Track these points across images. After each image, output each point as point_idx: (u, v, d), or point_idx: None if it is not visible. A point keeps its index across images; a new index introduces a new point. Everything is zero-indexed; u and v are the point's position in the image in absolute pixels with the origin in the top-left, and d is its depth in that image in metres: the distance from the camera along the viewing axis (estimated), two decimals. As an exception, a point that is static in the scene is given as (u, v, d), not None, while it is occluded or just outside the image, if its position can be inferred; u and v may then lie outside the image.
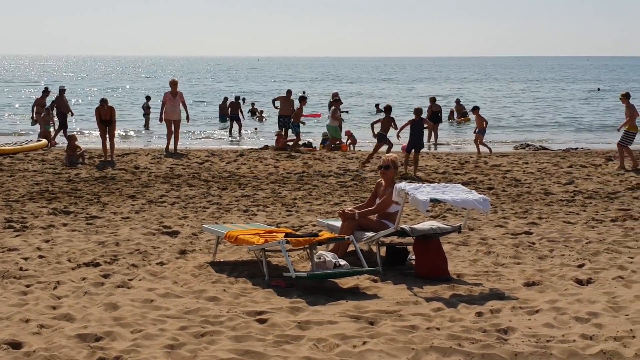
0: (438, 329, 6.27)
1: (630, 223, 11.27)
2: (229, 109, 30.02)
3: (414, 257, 8.49)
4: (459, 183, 13.25)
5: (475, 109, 22.51)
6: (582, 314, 6.65)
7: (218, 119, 35.39)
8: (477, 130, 22.05)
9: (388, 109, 19.19)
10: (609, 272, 8.29)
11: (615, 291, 7.49)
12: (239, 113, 29.31)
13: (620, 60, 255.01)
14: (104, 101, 19.31)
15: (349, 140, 24.03)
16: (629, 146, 18.00)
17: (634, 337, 6.01)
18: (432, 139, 25.72)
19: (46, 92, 25.02)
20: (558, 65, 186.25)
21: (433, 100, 26.42)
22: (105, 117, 19.06)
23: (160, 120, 20.63)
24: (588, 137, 29.95)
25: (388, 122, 18.70)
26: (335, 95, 25.57)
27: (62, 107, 23.99)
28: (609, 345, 5.78)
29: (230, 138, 28.73)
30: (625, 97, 18.37)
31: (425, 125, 18.39)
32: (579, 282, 7.93)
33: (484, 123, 22.00)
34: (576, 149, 23.68)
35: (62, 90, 23.95)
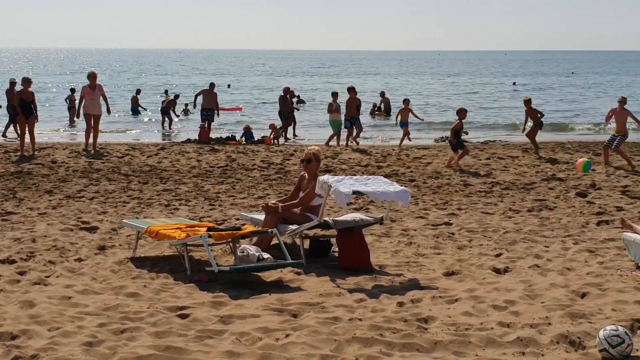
0: (360, 319, 6.33)
1: (545, 213, 11.61)
2: (165, 104, 29.64)
3: (337, 249, 8.54)
4: (381, 175, 13.40)
5: (405, 102, 23.08)
6: (499, 302, 6.81)
7: (130, 112, 34.68)
8: (400, 123, 22.62)
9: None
10: (525, 261, 8.51)
11: (532, 279, 7.70)
12: (173, 109, 29.04)
13: (538, 54, 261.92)
14: (26, 81, 18.38)
15: (273, 134, 23.97)
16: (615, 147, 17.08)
17: (549, 324, 6.18)
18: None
19: None
20: (477, 59, 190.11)
21: (383, 94, 26.61)
22: (27, 99, 18.28)
23: (78, 115, 19.91)
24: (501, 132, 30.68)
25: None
26: (286, 90, 25.42)
27: (13, 99, 22.98)
28: (525, 333, 5.94)
29: (163, 131, 28.47)
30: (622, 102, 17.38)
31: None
32: (497, 271, 8.12)
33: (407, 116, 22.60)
34: (494, 141, 24.24)
35: (12, 83, 22.72)
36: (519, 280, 7.69)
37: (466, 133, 18.62)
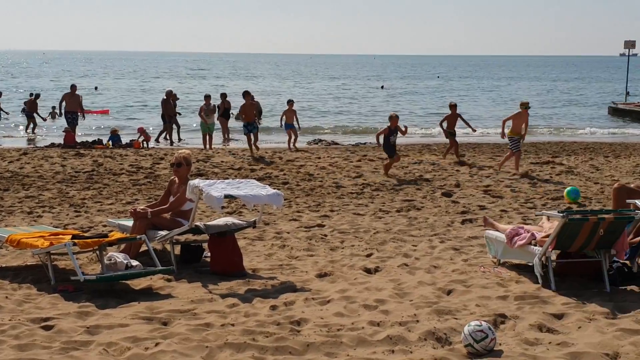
0: (233, 325, 6.27)
1: (413, 213, 11.93)
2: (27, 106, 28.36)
3: (209, 254, 8.44)
4: (254, 179, 13.38)
5: (289, 102, 22.59)
6: (370, 302, 6.93)
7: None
8: (285, 124, 22.13)
9: (453, 106, 19.40)
10: (394, 260, 8.71)
11: (401, 278, 7.89)
12: (37, 112, 27.85)
13: (406, 59, 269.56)
14: None
15: (142, 137, 23.49)
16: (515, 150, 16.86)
17: (417, 321, 6.34)
18: (227, 135, 25.74)
19: None
20: (348, 63, 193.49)
21: (224, 96, 26.47)
22: None
23: None
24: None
25: (454, 118, 19.27)
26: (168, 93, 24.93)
27: None
28: (394, 331, 6.06)
29: (27, 136, 27.31)
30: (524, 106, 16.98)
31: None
32: (368, 270, 8.27)
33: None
34: (364, 143, 24.72)
35: None
36: (389, 279, 7.85)
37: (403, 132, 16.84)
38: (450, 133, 19.19)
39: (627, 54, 40.29)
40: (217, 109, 24.24)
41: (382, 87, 68.41)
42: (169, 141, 24.89)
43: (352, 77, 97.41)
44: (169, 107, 24.49)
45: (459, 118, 19.13)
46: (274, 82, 78.45)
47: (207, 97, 23.24)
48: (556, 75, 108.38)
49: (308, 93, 59.63)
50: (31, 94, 30.42)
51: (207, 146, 22.48)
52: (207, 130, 22.76)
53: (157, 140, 24.85)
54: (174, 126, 25.15)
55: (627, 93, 44.69)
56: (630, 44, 38.97)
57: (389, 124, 16.72)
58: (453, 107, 19.20)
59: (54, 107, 33.15)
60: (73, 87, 23.80)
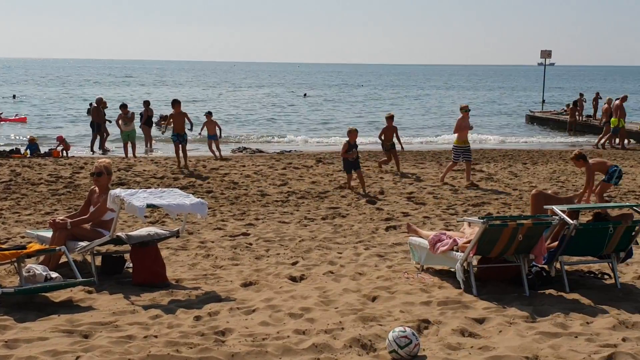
0: (156, 336, 6.17)
1: (338, 220, 11.99)
2: None
3: (131, 265, 8.28)
4: (177, 187, 13.22)
5: (208, 114, 22.14)
6: (295, 310, 6.93)
7: None
8: (208, 135, 21.66)
9: (389, 118, 18.73)
10: (320, 268, 8.73)
11: (326, 286, 7.91)
12: None
13: (332, 67, 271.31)
14: None
15: (61, 146, 22.95)
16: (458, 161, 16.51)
17: (342, 328, 6.37)
18: (150, 143, 25.40)
19: None
20: (274, 70, 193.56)
21: (147, 103, 26.10)
22: None
23: None
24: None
25: (391, 130, 18.64)
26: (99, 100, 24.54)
27: None
28: (320, 339, 6.07)
29: None
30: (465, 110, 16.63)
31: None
32: (293, 279, 8.26)
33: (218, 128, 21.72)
34: (290, 151, 24.75)
35: None
36: (314, 287, 7.86)
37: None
38: (390, 145, 18.63)
39: (544, 63, 41.53)
40: (140, 117, 24.04)
41: (305, 95, 68.71)
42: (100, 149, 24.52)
43: (278, 84, 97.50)
44: (100, 115, 24.16)
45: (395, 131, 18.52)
46: (199, 90, 77.81)
47: (124, 107, 22.93)
48: (481, 84, 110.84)
49: (235, 101, 59.35)
50: None
51: (130, 155, 22.12)
52: (127, 139, 22.42)
53: (92, 149, 24.36)
54: (104, 134, 24.78)
55: (543, 101, 46.06)
56: (546, 54, 40.18)
57: (347, 139, 15.56)
58: (389, 119, 18.66)
59: None
60: None
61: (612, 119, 26.39)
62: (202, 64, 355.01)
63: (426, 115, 47.91)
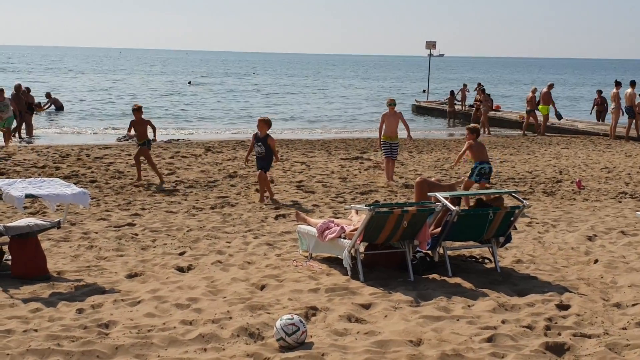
0: (36, 330, 5.96)
1: (227, 209, 11.92)
2: None
3: (10, 257, 7.95)
4: (58, 177, 12.79)
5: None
6: (182, 301, 6.84)
7: None
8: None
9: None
10: (208, 258, 8.65)
11: (214, 275, 7.85)
12: None
13: (218, 55, 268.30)
14: None
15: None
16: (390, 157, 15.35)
17: (230, 318, 6.34)
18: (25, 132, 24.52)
19: None
20: (162, 58, 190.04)
21: (28, 90, 25.08)
22: None
23: None
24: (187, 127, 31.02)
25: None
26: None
27: None
28: (207, 329, 6.02)
29: None
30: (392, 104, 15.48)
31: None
32: (180, 269, 8.15)
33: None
34: (178, 140, 24.37)
35: None
36: (202, 277, 7.79)
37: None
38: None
39: (429, 54, 42.53)
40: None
41: (189, 82, 67.83)
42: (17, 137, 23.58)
43: (164, 73, 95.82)
44: (20, 102, 23.29)
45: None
46: (96, 76, 75.52)
47: (0, 92, 21.97)
48: (375, 74, 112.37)
49: (128, 88, 57.84)
50: None
51: (5, 143, 21.18)
52: (2, 126, 21.52)
53: (13, 136, 23.29)
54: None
55: (424, 91, 47.18)
56: (431, 45, 41.15)
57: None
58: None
59: None
60: None
61: (541, 106, 27.87)
62: (89, 50, 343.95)
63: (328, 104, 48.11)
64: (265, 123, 12.85)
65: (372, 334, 6.00)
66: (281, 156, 19.17)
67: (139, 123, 14.60)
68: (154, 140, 15.57)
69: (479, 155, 12.32)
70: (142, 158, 14.78)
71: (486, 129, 28.60)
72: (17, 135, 23.70)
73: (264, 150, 12.76)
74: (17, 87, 24.02)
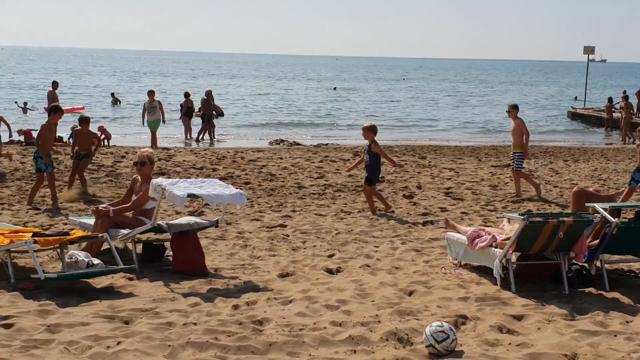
0: (195, 324, 6.25)
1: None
2: None
3: (171, 253, 8.39)
4: (216, 178, 13.34)
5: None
6: (332, 302, 6.96)
7: None
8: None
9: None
10: (356, 261, 8.75)
11: (362, 279, 7.93)
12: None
13: (369, 60, 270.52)
14: None
15: (103, 135, 23.23)
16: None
17: (379, 321, 6.39)
18: (189, 134, 25.74)
19: None
20: (311, 64, 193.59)
21: (187, 95, 26.33)
22: None
23: None
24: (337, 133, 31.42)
25: None
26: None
27: None
28: (356, 331, 6.10)
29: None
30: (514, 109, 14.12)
31: None
32: (329, 271, 8.30)
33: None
34: (326, 144, 24.78)
35: None
36: (351, 279, 7.89)
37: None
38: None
39: (587, 59, 40.95)
40: (180, 107, 24.74)
41: (335, 88, 68.47)
42: (209, 139, 25.50)
43: (321, 79, 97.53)
44: (209, 107, 25.22)
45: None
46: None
47: (151, 93, 23.02)
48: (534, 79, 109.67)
49: (249, 92, 59.38)
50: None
51: (154, 145, 22.14)
52: (150, 127, 22.67)
53: (197, 140, 25.15)
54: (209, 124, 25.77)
55: (576, 98, 45.32)
56: (589, 50, 39.61)
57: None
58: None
59: (25, 103, 33.01)
60: (54, 84, 24.05)
61: None
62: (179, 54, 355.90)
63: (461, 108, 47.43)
64: (369, 130, 12.12)
65: (525, 345, 5.87)
66: (429, 162, 19.06)
67: (85, 135, 13.85)
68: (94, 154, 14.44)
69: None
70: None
71: (624, 136, 28.14)
72: (202, 136, 25.34)
73: (369, 158, 12.12)
74: (208, 93, 25.74)
